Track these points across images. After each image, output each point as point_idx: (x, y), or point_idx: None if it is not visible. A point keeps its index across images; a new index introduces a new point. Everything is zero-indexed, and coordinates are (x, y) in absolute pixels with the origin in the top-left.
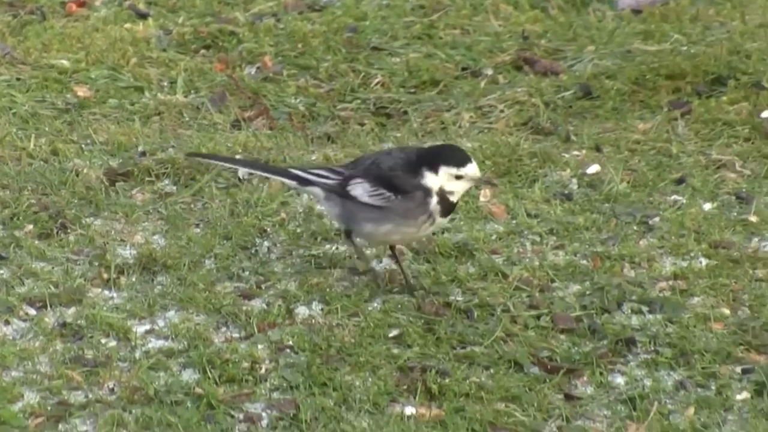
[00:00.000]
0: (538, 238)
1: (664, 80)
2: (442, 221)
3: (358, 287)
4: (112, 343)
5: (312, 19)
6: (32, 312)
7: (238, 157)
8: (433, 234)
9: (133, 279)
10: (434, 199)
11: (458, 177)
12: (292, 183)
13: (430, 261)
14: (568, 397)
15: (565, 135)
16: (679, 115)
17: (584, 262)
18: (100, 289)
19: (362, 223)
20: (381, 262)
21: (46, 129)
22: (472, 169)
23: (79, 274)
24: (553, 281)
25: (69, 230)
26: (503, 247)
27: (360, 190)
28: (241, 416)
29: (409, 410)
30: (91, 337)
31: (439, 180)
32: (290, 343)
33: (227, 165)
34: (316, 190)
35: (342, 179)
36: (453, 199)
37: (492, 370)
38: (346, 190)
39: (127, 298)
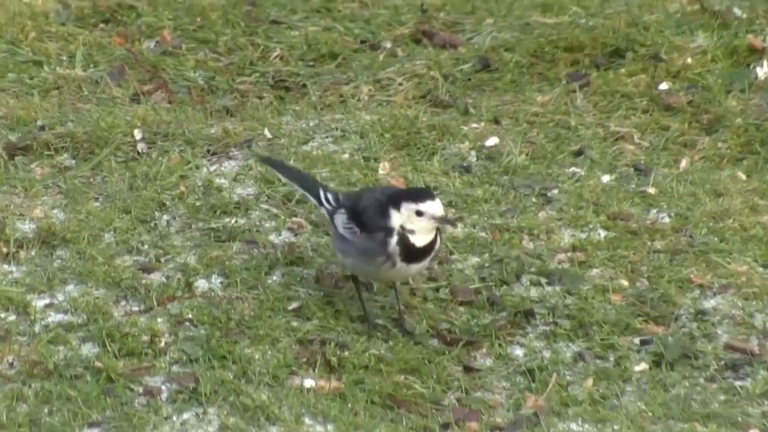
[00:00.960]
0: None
1: (563, 52)
2: (404, 267)
3: (258, 260)
4: (12, 318)
5: None
6: None
7: (300, 169)
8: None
9: (33, 253)
10: (394, 240)
11: (418, 213)
12: (321, 209)
13: (329, 234)
14: (467, 369)
15: (463, 108)
16: (578, 88)
17: (483, 234)
18: None
19: (337, 250)
20: (280, 234)
21: None
22: (432, 207)
23: None
24: (452, 253)
25: None
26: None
27: (339, 220)
28: (141, 390)
29: (309, 383)
30: None
31: (400, 217)
32: (190, 316)
33: (284, 177)
34: (326, 215)
35: (334, 208)
36: (416, 242)
37: (391, 343)
38: (333, 218)
39: (26, 272)
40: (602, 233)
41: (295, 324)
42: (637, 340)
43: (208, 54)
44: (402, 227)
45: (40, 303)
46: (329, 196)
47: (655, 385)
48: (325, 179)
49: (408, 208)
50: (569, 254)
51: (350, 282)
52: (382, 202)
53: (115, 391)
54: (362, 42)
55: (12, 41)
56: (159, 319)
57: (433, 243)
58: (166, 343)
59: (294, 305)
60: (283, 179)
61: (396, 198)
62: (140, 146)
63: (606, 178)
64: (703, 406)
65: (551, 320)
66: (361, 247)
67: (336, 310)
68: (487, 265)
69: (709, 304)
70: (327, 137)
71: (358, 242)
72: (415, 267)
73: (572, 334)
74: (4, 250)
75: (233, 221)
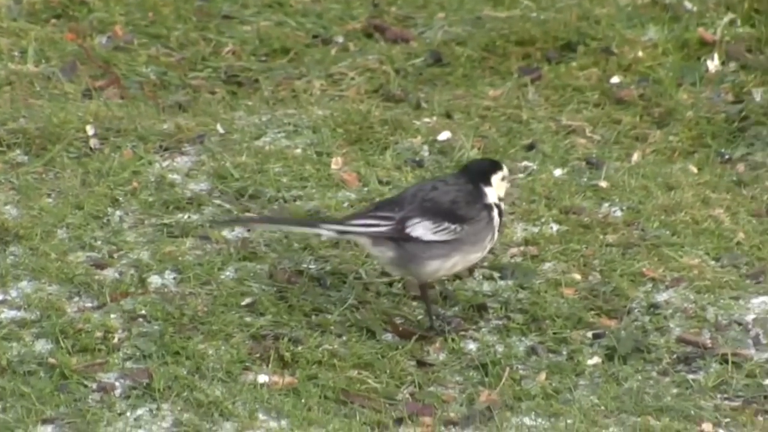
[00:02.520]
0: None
1: (514, 46)
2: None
3: (211, 255)
4: None
5: None
6: None
7: (267, 214)
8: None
9: None
10: (495, 213)
11: (503, 179)
12: (329, 234)
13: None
14: (421, 364)
15: (416, 102)
16: (530, 82)
17: None
18: None
19: (427, 261)
20: (233, 230)
21: None
22: (506, 169)
23: None
24: None
25: None
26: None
27: (421, 229)
28: (95, 386)
29: (263, 378)
30: None
31: (494, 190)
32: (143, 312)
33: (258, 226)
34: (363, 239)
35: (395, 223)
36: (503, 206)
37: (345, 338)
38: (405, 233)
39: None
40: (554, 227)
41: (248, 319)
42: (589, 334)
43: (160, 49)
44: (498, 197)
45: None
46: (364, 221)
47: (607, 378)
48: (278, 174)
49: (497, 178)
50: (522, 248)
51: (303, 277)
52: (469, 189)
53: (68, 387)
54: (314, 37)
55: None
56: (112, 315)
57: None
58: (119, 339)
59: (247, 301)
60: (271, 228)
61: (483, 175)
62: (93, 142)
63: (558, 172)
64: (655, 399)
65: (504, 314)
66: (470, 239)
67: (289, 305)
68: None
69: (661, 297)
70: (279, 132)
71: (464, 236)
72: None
73: (525, 329)
74: None
75: (186, 217)
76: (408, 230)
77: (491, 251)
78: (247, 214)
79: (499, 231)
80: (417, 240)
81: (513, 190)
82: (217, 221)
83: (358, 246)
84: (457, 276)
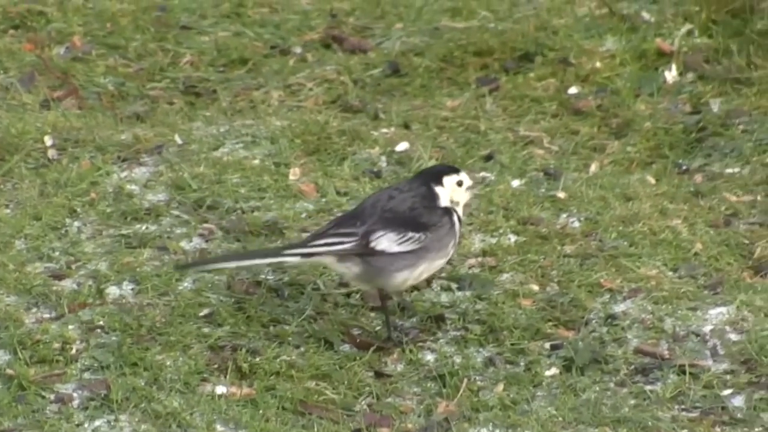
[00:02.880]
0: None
1: (472, 57)
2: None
3: (169, 266)
4: None
5: None
6: None
7: (225, 253)
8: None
9: None
10: (455, 216)
11: (459, 183)
12: (295, 260)
13: (240, 240)
14: (379, 375)
15: (373, 113)
16: (487, 92)
17: None
18: None
19: (394, 274)
20: (191, 240)
21: None
22: (465, 176)
23: None
24: None
25: None
26: (313, 225)
27: (386, 242)
28: (53, 397)
29: (220, 389)
30: None
31: (447, 192)
32: (101, 323)
33: (220, 266)
34: (327, 259)
35: (359, 239)
36: (461, 213)
37: (302, 349)
38: (370, 248)
39: None
40: (512, 238)
41: (206, 330)
42: (547, 345)
43: (118, 60)
44: (451, 201)
45: None
46: (325, 240)
47: (565, 389)
48: (236, 185)
49: (450, 180)
50: (480, 259)
51: (261, 288)
52: (422, 192)
53: (26, 398)
54: (272, 47)
55: None
56: (70, 326)
57: None
58: (77, 350)
59: (205, 311)
60: (233, 266)
61: (435, 176)
62: (51, 153)
63: (516, 183)
64: (613, 410)
65: (462, 325)
66: (435, 245)
67: (247, 316)
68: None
69: (619, 308)
70: (237, 143)
71: (429, 243)
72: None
73: (483, 339)
74: None
75: (144, 227)
76: (372, 244)
77: (450, 260)
78: (210, 257)
79: (460, 232)
80: (382, 253)
81: (472, 200)
82: (180, 266)
83: (324, 265)
84: (415, 287)
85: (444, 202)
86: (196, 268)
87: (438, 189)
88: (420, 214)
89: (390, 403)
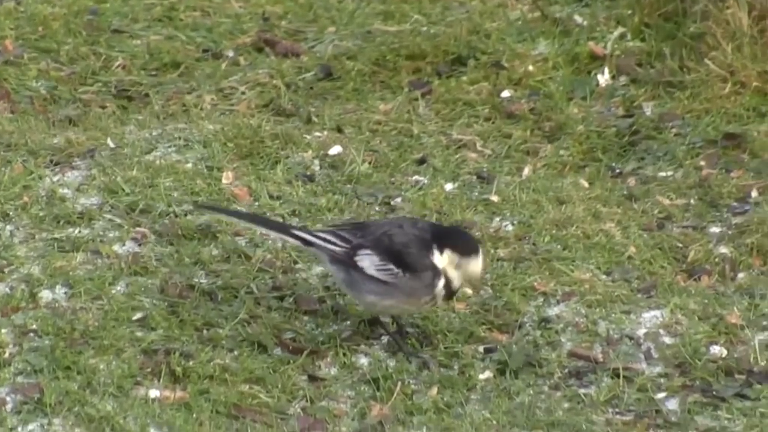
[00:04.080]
0: (280, 220)
1: (405, 60)
2: (441, 304)
3: (102, 270)
4: None
5: (52, 2)
6: None
7: (244, 211)
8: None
9: None
10: (441, 282)
11: (457, 267)
12: (296, 242)
13: (173, 243)
14: (312, 379)
15: (306, 116)
16: (420, 96)
17: None
18: None
19: (365, 294)
20: (124, 244)
21: None
22: (473, 266)
23: None
24: (296, 263)
25: None
26: (246, 228)
27: (368, 262)
28: None
29: (154, 393)
30: None
31: (443, 260)
32: (34, 327)
33: (234, 219)
34: (321, 254)
35: (349, 248)
36: (456, 284)
37: (236, 352)
38: (354, 260)
39: None
40: None
41: (139, 334)
42: (481, 349)
43: (50, 63)
44: (445, 269)
45: None
46: (325, 235)
47: (499, 393)
48: (169, 189)
49: (451, 256)
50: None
51: (194, 292)
52: (425, 241)
53: None
54: (204, 51)
55: None
56: (3, 330)
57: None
58: (10, 354)
59: (138, 315)
60: (244, 224)
61: (441, 239)
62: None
63: (449, 186)
64: (547, 413)
65: (396, 329)
66: (406, 289)
67: (180, 319)
68: (331, 274)
69: (552, 311)
70: (170, 147)
71: (402, 284)
72: (446, 303)
73: (417, 343)
74: None
75: (77, 231)
76: (356, 258)
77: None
78: (228, 208)
79: (442, 300)
80: (361, 270)
81: (472, 281)
82: (199, 205)
83: (318, 259)
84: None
85: (438, 263)
86: (213, 212)
87: (436, 252)
88: (408, 254)
89: (324, 406)
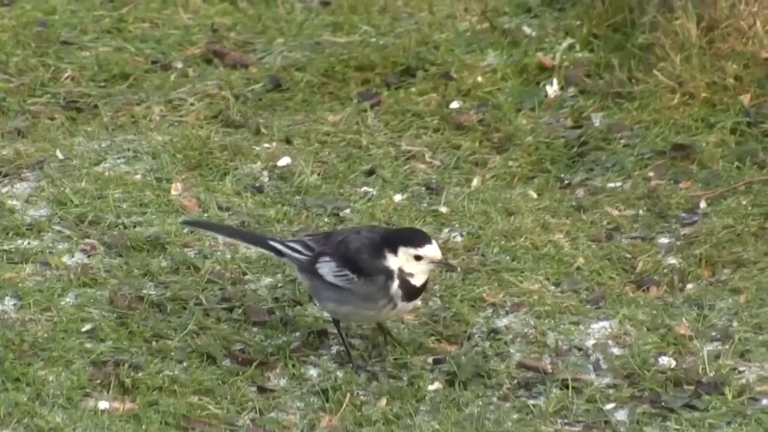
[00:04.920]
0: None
1: (354, 72)
2: (404, 306)
3: (51, 282)
4: None
5: (1, 13)
6: None
7: (228, 224)
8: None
9: None
10: (395, 283)
11: (417, 258)
12: (272, 254)
13: (122, 255)
14: (262, 390)
15: (255, 128)
16: (369, 107)
17: None
18: None
19: (325, 301)
20: (73, 256)
21: None
22: (430, 251)
23: None
24: (245, 274)
25: None
26: (195, 240)
27: (326, 269)
28: None
29: (103, 404)
30: None
31: (398, 261)
32: None
33: (215, 233)
34: (292, 264)
35: (312, 256)
36: (415, 282)
37: (185, 364)
38: (315, 268)
39: None
40: None
41: (89, 345)
42: (430, 360)
43: None
44: (401, 269)
45: None
46: (293, 245)
47: (448, 404)
48: (118, 200)
49: (406, 252)
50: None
51: (144, 303)
52: (376, 244)
53: None
54: (153, 62)
55: None
56: None
57: (427, 279)
58: None
59: (88, 327)
60: (222, 238)
61: (391, 241)
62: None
63: (398, 197)
64: (496, 424)
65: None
66: (361, 294)
67: (130, 331)
68: (280, 285)
69: (501, 322)
70: (119, 158)
71: (357, 289)
72: (412, 304)
73: (366, 354)
74: None
75: (26, 243)
76: (317, 266)
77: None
78: (212, 222)
79: (403, 301)
80: (321, 278)
81: (441, 265)
82: (186, 222)
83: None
84: (297, 302)
85: (391, 265)
86: (197, 228)
87: (389, 254)
88: (360, 259)
89: (273, 417)
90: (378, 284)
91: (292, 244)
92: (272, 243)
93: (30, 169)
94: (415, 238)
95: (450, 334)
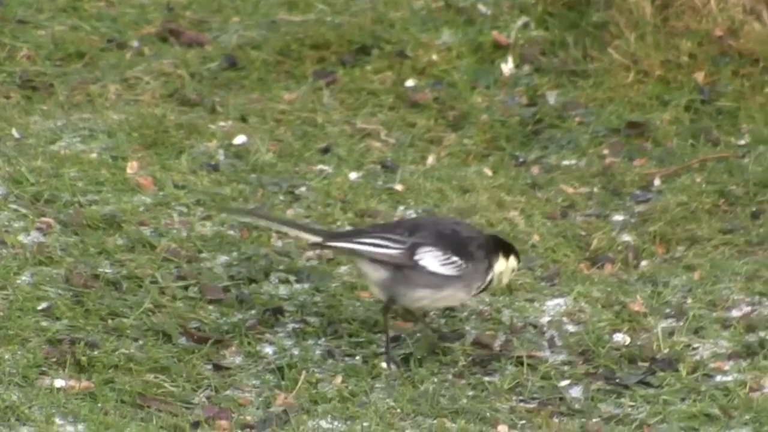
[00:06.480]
0: (185, 209)
1: (309, 50)
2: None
3: (7, 260)
4: None
5: None
6: None
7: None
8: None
9: None
10: (491, 273)
11: (512, 270)
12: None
13: (78, 233)
14: (217, 368)
15: (211, 106)
16: (325, 85)
17: (232, 232)
18: None
19: (418, 289)
20: (29, 234)
21: None
22: (515, 265)
23: None
24: (200, 252)
25: None
26: (151, 218)
27: (430, 258)
28: None
29: (59, 383)
30: None
31: (500, 265)
32: None
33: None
34: (364, 260)
35: (406, 248)
36: (495, 282)
37: (141, 342)
38: (414, 260)
39: None
40: None
41: (44, 324)
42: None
43: None
44: (494, 270)
45: None
46: (377, 240)
47: (404, 381)
48: (74, 179)
49: (513, 263)
50: (318, 252)
51: (99, 281)
52: (488, 241)
53: None
54: (109, 41)
55: None
56: None
57: None
58: None
59: (43, 305)
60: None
61: (508, 248)
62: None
63: (353, 176)
64: (451, 401)
65: (300, 318)
66: (468, 277)
67: (86, 309)
68: (236, 263)
69: None
70: (75, 137)
71: (466, 274)
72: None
73: (321, 332)
74: None
75: None
76: (417, 257)
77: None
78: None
79: (485, 288)
80: (423, 269)
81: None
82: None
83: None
84: (252, 279)
85: (494, 262)
86: (252, 219)
87: (501, 256)
88: (469, 244)
89: (229, 395)
90: (481, 270)
91: (369, 240)
92: (340, 244)
93: None
94: (516, 253)
95: (405, 312)
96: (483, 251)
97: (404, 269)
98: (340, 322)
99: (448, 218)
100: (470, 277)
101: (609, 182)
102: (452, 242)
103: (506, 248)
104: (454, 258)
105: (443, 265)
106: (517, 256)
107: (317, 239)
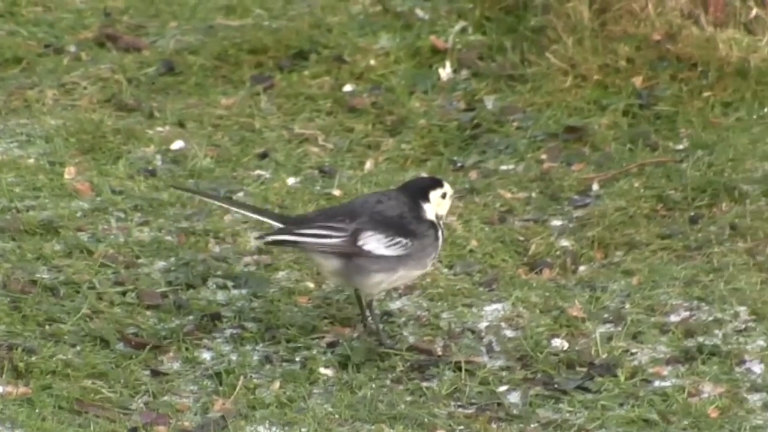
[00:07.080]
0: (123, 215)
1: (247, 55)
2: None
3: None
4: None
5: None
6: None
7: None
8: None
9: None
10: (439, 232)
11: (443, 196)
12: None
13: (15, 239)
14: (155, 373)
15: (148, 111)
16: (262, 90)
17: (169, 238)
18: None
19: (373, 275)
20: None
21: None
22: (448, 187)
23: None
24: (138, 257)
25: None
26: (88, 224)
27: (374, 242)
28: None
29: None
30: None
31: (432, 207)
32: None
33: (215, 203)
34: (312, 251)
35: (349, 235)
36: (443, 224)
37: (79, 347)
38: (358, 246)
39: None
40: None
41: None
42: (323, 343)
43: None
44: (437, 215)
45: None
46: (317, 231)
47: (342, 387)
48: (11, 184)
49: (435, 195)
50: (255, 257)
51: (37, 287)
52: (410, 201)
53: None
54: (46, 46)
55: None
56: None
57: None
58: None
59: None
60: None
61: (421, 190)
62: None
63: (291, 181)
64: (389, 407)
65: (238, 323)
66: (417, 254)
67: (23, 315)
68: (173, 268)
69: (394, 305)
70: (12, 142)
71: (413, 251)
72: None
73: (259, 337)
74: None
75: None
76: (360, 243)
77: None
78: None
79: (440, 249)
80: (369, 254)
81: (453, 207)
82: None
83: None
84: (190, 285)
85: (430, 215)
86: (211, 201)
87: (425, 205)
88: (409, 222)
89: (167, 401)
90: (429, 239)
91: (311, 232)
92: (275, 239)
93: None
94: (435, 180)
95: (343, 317)
96: (424, 222)
97: (353, 257)
98: (277, 328)
99: (372, 197)
100: (420, 253)
101: (547, 187)
102: (393, 223)
103: (429, 188)
104: (398, 238)
105: (388, 246)
106: (441, 183)
107: (274, 223)
